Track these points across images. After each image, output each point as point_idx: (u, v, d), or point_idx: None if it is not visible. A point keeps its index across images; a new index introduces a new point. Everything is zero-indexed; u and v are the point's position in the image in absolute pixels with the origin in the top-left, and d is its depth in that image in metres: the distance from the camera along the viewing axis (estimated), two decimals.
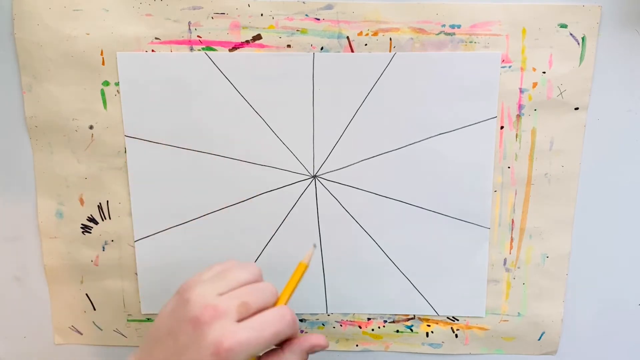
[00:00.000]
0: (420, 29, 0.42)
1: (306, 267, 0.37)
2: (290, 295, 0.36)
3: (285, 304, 0.35)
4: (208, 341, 0.31)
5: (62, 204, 0.46)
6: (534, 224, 0.46)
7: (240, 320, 0.32)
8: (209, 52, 0.42)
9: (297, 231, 0.46)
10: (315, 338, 0.35)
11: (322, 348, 0.36)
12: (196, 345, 0.31)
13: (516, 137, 0.44)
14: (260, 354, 0.34)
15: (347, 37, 0.42)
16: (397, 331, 0.49)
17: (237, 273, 0.35)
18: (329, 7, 0.41)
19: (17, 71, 0.43)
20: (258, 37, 0.42)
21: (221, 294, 0.33)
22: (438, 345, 0.49)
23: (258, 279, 0.35)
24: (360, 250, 0.46)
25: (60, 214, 0.46)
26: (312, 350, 0.35)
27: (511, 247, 0.46)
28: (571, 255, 0.47)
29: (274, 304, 0.34)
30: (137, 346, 0.50)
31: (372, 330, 0.49)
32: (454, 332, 0.49)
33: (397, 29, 0.42)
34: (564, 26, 0.41)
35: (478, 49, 0.42)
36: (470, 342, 0.49)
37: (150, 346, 0.33)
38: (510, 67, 0.42)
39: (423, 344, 0.49)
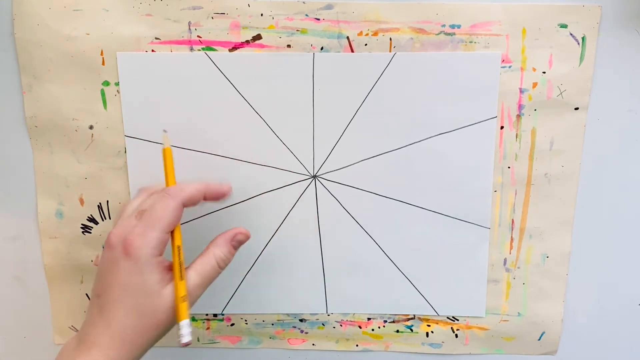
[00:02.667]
0: (420, 29, 0.42)
1: (170, 149, 0.40)
2: (172, 179, 0.39)
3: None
4: (118, 250, 0.36)
5: (62, 204, 0.46)
6: (534, 224, 0.46)
7: None
8: (209, 52, 0.42)
9: (297, 231, 0.46)
10: (237, 229, 0.40)
11: (245, 237, 0.40)
12: (112, 259, 0.36)
13: (516, 137, 0.44)
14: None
15: (347, 37, 0.42)
16: (397, 331, 0.49)
17: (129, 206, 0.39)
18: (329, 7, 0.41)
19: (17, 71, 0.43)
20: (258, 37, 0.42)
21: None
22: (438, 345, 0.49)
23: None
24: (360, 250, 0.46)
25: (60, 214, 0.46)
26: (235, 239, 0.40)
27: (511, 247, 0.46)
28: (571, 255, 0.47)
29: None
30: None
31: (372, 330, 0.49)
32: (454, 332, 0.49)
33: (397, 29, 0.42)
34: (564, 26, 0.41)
35: (478, 49, 0.42)
36: (470, 342, 0.49)
37: (93, 300, 0.37)
38: (510, 67, 0.42)
39: (423, 344, 0.49)
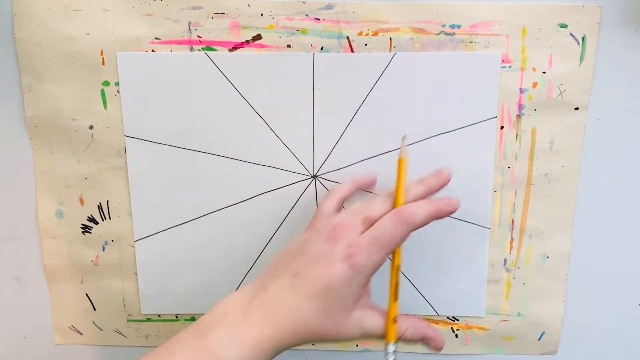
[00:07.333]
0: (420, 29, 0.42)
1: (405, 161, 0.38)
2: (402, 193, 0.37)
3: (403, 203, 0.37)
4: (339, 250, 0.35)
5: (62, 204, 0.46)
6: (534, 224, 0.46)
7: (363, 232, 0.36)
8: (209, 52, 0.42)
9: (297, 231, 0.46)
10: (435, 333, 0.38)
11: (436, 347, 0.38)
12: (328, 255, 0.35)
13: (516, 137, 0.44)
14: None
15: (347, 37, 0.42)
16: None
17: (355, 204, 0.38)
18: (329, 7, 0.41)
19: (17, 71, 0.43)
20: (258, 37, 0.42)
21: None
22: None
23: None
24: None
25: (60, 214, 0.46)
26: (425, 340, 0.38)
27: (511, 247, 0.46)
28: (571, 255, 0.47)
29: (392, 208, 0.37)
30: (138, 346, 0.50)
31: None
32: (454, 332, 0.49)
33: (397, 29, 0.42)
34: (564, 26, 0.41)
35: (478, 49, 0.42)
36: (470, 342, 0.49)
37: (276, 266, 0.37)
38: (510, 67, 0.42)
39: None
